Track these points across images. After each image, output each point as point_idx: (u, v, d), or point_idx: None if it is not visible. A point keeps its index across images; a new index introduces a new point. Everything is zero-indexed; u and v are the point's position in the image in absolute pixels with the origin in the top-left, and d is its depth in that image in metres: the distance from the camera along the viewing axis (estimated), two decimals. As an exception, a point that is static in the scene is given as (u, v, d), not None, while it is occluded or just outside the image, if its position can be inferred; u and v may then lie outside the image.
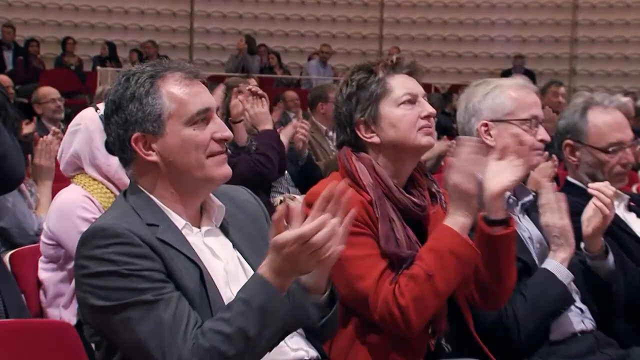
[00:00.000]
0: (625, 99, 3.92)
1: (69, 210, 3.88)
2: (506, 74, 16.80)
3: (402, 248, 2.98)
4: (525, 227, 3.50)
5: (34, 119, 8.40)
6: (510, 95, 3.47)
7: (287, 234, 2.38)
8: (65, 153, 4.03)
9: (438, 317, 3.03)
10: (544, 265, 3.35)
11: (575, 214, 3.45)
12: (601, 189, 3.39)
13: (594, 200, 3.37)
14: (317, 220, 2.38)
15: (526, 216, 3.54)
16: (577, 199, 3.60)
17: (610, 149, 3.77)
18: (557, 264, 3.33)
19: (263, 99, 6.07)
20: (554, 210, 3.37)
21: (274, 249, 2.41)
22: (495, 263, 3.05)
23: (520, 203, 3.52)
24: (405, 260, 2.95)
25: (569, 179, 3.93)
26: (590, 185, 3.45)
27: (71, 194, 3.96)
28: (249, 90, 6.14)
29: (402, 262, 2.95)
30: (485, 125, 3.45)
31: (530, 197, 3.54)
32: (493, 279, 3.06)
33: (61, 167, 4.11)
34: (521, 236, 3.44)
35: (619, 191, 3.91)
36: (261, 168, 5.66)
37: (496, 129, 3.43)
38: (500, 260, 3.06)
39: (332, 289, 2.71)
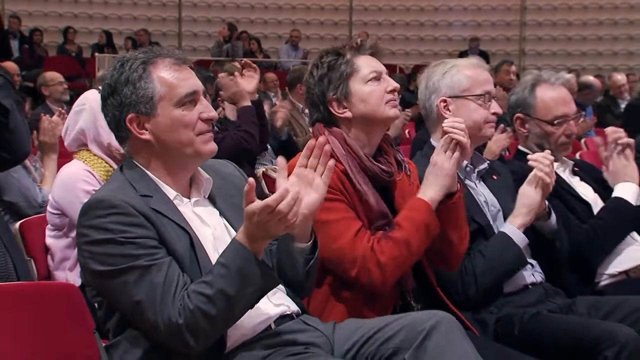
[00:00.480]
0: (569, 76, 3.94)
1: (72, 183, 3.86)
2: (463, 54, 16.85)
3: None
4: (481, 192, 3.50)
5: (26, 101, 8.35)
6: (465, 73, 3.46)
7: (256, 205, 2.37)
8: (71, 130, 4.00)
9: (405, 276, 3.04)
10: (502, 229, 3.36)
11: (524, 179, 3.47)
12: (539, 159, 3.38)
13: (535, 170, 3.37)
14: (279, 191, 2.37)
15: (482, 182, 3.54)
16: (526, 165, 3.61)
17: (555, 122, 3.78)
18: (514, 229, 3.33)
19: (255, 71, 5.99)
20: (537, 184, 3.36)
21: (246, 218, 2.41)
22: (447, 230, 3.05)
23: (476, 170, 3.52)
24: (384, 217, 2.98)
25: (520, 147, 3.94)
26: (529, 157, 3.44)
27: (73, 168, 3.94)
28: (244, 62, 6.11)
29: (382, 218, 2.97)
30: (444, 101, 3.44)
31: (485, 165, 3.54)
32: (445, 244, 3.08)
33: (66, 143, 4.09)
34: (477, 200, 3.45)
35: (564, 158, 3.93)
36: (244, 144, 5.64)
37: (454, 104, 3.43)
38: (451, 227, 3.06)
39: (315, 238, 2.72)
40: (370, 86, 3.07)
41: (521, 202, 3.37)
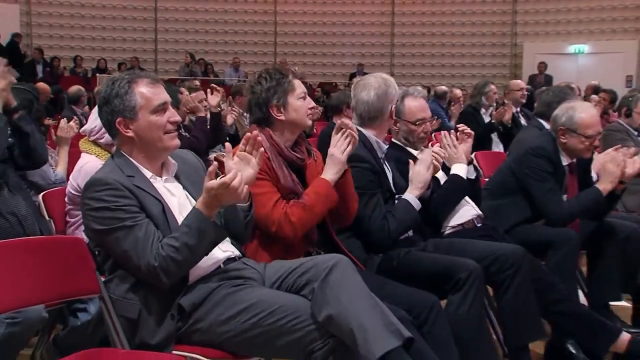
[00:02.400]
0: (424, 91, 3.95)
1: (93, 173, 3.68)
2: (353, 75, 16.94)
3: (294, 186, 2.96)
4: (387, 169, 3.49)
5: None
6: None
7: (215, 181, 2.34)
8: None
9: (311, 232, 3.04)
10: (404, 197, 3.35)
11: (399, 162, 3.51)
12: (439, 152, 3.44)
13: (433, 159, 3.41)
14: (232, 172, 2.35)
15: (386, 162, 3.53)
16: (398, 153, 3.66)
17: (417, 123, 3.77)
18: (413, 197, 3.33)
19: (219, 92, 6.20)
20: (427, 164, 3.36)
21: (206, 191, 2.37)
22: (341, 197, 3.04)
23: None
24: (294, 192, 2.94)
25: (393, 140, 3.92)
26: (432, 149, 3.49)
27: (94, 163, 3.70)
28: (212, 86, 6.23)
29: (292, 193, 2.94)
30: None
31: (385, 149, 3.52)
32: (342, 206, 3.08)
33: (96, 135, 3.81)
34: (388, 176, 3.46)
35: (422, 147, 3.93)
36: (194, 144, 5.66)
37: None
38: (344, 194, 3.06)
39: (251, 201, 2.68)
40: (300, 102, 3.04)
41: (417, 179, 3.38)
